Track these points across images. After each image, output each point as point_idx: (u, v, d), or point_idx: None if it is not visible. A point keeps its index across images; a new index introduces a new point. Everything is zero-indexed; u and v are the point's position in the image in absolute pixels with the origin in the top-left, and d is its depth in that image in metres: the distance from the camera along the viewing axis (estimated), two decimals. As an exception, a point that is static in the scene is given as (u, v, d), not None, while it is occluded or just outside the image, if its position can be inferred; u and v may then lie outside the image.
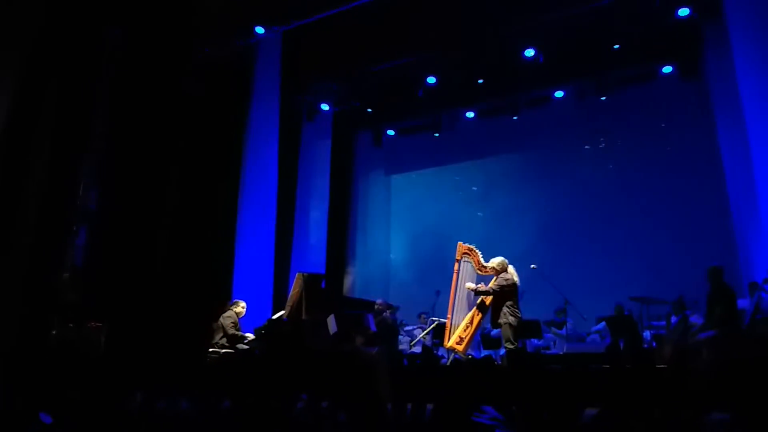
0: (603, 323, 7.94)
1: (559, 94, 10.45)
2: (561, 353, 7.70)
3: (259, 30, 9.69)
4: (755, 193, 6.84)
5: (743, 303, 6.68)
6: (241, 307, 7.65)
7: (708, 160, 8.98)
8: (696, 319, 6.57)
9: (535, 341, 7.96)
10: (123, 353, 7.48)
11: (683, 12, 8.34)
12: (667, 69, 9.55)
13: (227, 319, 7.46)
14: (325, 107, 11.32)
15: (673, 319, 6.91)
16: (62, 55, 8.12)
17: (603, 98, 10.13)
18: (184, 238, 9.34)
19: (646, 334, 7.32)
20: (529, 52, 9.36)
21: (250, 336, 7.46)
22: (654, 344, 7.08)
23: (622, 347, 6.76)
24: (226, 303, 7.83)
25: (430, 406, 3.68)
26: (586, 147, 10.58)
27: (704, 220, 9.15)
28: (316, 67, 10.39)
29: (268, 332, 7.09)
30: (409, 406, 3.76)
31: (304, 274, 7.21)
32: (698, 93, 9.17)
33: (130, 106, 9.18)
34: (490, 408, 2.92)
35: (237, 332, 7.45)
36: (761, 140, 6.66)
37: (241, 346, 7.38)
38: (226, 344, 7.37)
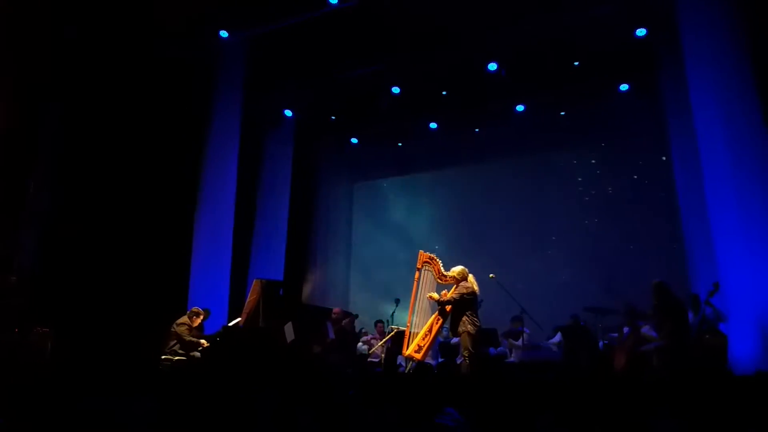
0: (559, 335, 8.04)
1: (520, 107, 10.63)
2: (517, 362, 7.77)
3: (224, 34, 9.58)
4: (705, 208, 7.08)
5: (690, 315, 6.88)
6: (197, 316, 7.55)
7: (661, 174, 9.27)
8: (648, 331, 6.72)
9: (492, 350, 8.02)
10: (70, 360, 7.22)
11: (641, 32, 8.61)
12: (624, 87, 9.83)
13: (181, 326, 7.31)
14: (288, 113, 11.25)
15: (625, 329, 7.05)
16: (14, 51, 7.86)
17: (562, 113, 10.38)
18: (139, 242, 9.10)
19: (601, 344, 7.46)
20: (492, 66, 9.51)
21: (204, 343, 7.31)
22: (607, 354, 7.22)
23: (578, 357, 6.88)
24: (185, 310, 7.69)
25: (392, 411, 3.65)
26: (545, 160, 10.78)
27: (657, 233, 9.43)
28: (280, 73, 10.32)
29: (224, 339, 6.96)
30: (372, 411, 3.73)
31: (262, 280, 7.11)
32: (653, 111, 9.45)
33: (86, 105, 8.93)
34: (453, 410, 2.93)
35: (192, 339, 7.30)
36: (711, 158, 6.89)
37: (195, 353, 7.22)
38: (179, 351, 7.20)
